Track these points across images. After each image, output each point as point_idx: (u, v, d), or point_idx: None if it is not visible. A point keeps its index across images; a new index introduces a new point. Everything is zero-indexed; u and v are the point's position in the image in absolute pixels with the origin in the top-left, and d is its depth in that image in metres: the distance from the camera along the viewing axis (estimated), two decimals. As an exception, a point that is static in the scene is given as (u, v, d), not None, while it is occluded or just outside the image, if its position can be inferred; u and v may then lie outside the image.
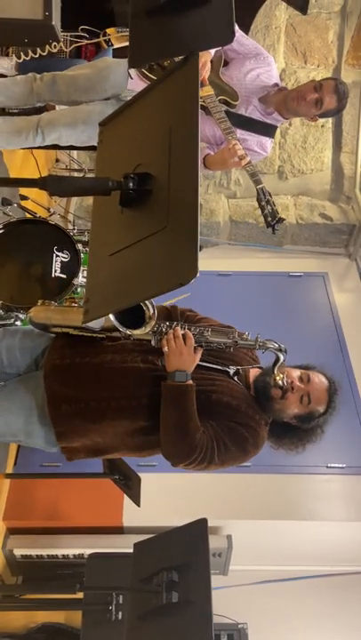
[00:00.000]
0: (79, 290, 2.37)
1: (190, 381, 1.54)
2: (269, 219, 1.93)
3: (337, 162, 4.26)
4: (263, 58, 2.34)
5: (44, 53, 2.27)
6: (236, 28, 2.34)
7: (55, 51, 2.41)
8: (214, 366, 1.65)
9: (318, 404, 1.64)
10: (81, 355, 1.64)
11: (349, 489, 3.04)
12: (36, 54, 2.22)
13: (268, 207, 1.93)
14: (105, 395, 1.59)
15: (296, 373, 1.65)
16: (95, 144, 2.39)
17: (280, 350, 1.56)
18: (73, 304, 1.73)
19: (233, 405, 1.60)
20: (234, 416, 1.59)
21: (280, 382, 1.55)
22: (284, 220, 1.95)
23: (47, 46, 2.41)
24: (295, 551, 3.08)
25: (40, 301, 1.73)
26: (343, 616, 3.02)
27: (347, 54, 3.98)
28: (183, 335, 1.55)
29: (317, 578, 3.12)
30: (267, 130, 2.34)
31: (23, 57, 2.31)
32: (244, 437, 1.59)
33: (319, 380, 1.66)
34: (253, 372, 1.72)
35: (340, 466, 3.09)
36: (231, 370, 1.66)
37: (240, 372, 1.69)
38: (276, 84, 2.34)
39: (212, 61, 2.24)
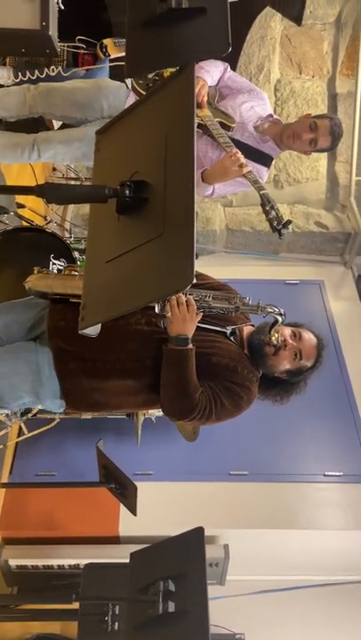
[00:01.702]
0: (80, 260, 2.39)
1: (191, 345, 1.61)
2: (275, 223, 1.95)
3: (332, 171, 4.29)
4: (256, 93, 2.39)
5: (43, 76, 2.28)
6: (230, 70, 2.40)
7: (54, 74, 2.42)
8: (213, 327, 1.73)
9: (308, 359, 1.76)
10: None
11: (347, 497, 3.03)
12: (34, 76, 2.23)
13: (273, 212, 1.95)
14: (111, 356, 1.66)
15: (288, 331, 1.76)
16: (89, 164, 2.40)
17: (280, 314, 1.66)
18: (73, 272, 1.73)
19: (231, 367, 1.69)
20: (231, 376, 1.69)
21: (275, 341, 1.66)
22: (290, 222, 1.97)
23: (46, 70, 2.43)
24: (293, 560, 3.06)
25: (36, 269, 1.74)
26: (341, 625, 3.00)
27: (341, 65, 4.02)
28: (186, 301, 1.62)
29: (315, 587, 3.10)
30: (263, 159, 2.36)
31: (21, 77, 2.32)
32: (240, 396, 1.70)
33: (309, 336, 1.78)
34: (247, 330, 1.81)
35: (338, 474, 3.08)
36: (228, 330, 1.75)
37: (236, 332, 1.78)
38: (271, 115, 2.38)
39: (208, 94, 2.28)
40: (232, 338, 1.76)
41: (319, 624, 2.98)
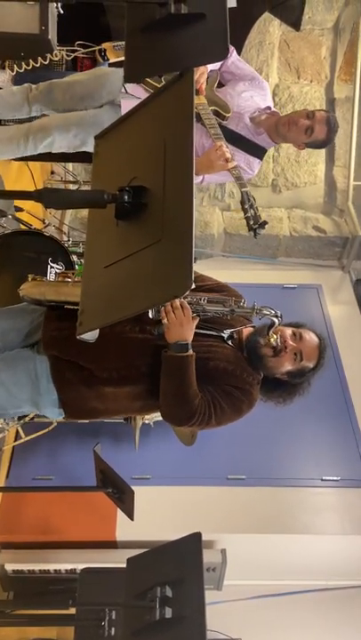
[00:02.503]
0: (77, 266, 2.38)
1: (191, 351, 1.60)
2: (252, 222, 1.96)
3: (330, 175, 4.31)
4: (258, 82, 2.39)
5: (37, 65, 2.29)
6: (235, 53, 2.39)
7: (47, 63, 2.43)
8: (209, 332, 1.71)
9: (309, 360, 1.73)
10: None
11: (344, 502, 3.02)
12: (29, 66, 2.24)
13: (251, 211, 1.95)
14: (106, 365, 1.65)
15: (288, 332, 1.73)
16: (87, 149, 2.39)
17: (276, 316, 1.64)
18: (66, 279, 1.73)
19: (229, 371, 1.67)
20: (230, 380, 1.67)
21: (274, 342, 1.64)
22: (266, 223, 1.97)
23: (40, 58, 2.44)
24: (290, 565, 3.06)
25: (30, 277, 1.74)
26: (339, 631, 2.99)
27: (339, 70, 4.05)
28: (180, 305, 1.60)
29: (313, 592, 3.09)
30: (256, 151, 2.36)
31: (17, 69, 2.33)
32: (240, 400, 1.68)
33: (310, 337, 1.75)
34: (246, 332, 1.78)
35: (335, 478, 3.08)
36: (225, 334, 1.73)
37: (234, 336, 1.75)
38: (269, 107, 2.37)
39: (207, 78, 2.27)
40: (230, 341, 1.74)
41: (317, 629, 2.97)
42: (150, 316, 1.65)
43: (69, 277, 1.73)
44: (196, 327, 1.64)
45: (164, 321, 1.60)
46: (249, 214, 1.95)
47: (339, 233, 4.33)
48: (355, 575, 3.09)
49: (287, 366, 1.72)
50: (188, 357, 1.59)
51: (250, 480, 3.02)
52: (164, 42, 1.45)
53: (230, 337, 1.74)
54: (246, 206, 1.95)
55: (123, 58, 2.28)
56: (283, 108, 4.03)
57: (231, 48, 2.36)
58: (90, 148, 2.19)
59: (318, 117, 2.23)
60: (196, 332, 1.63)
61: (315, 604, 3.06)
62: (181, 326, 1.58)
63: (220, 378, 1.67)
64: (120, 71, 2.32)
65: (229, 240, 4.41)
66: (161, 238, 1.04)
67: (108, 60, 2.68)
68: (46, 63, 2.47)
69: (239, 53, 3.15)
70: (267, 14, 3.60)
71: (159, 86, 1.31)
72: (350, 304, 4.13)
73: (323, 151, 4.23)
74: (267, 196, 4.23)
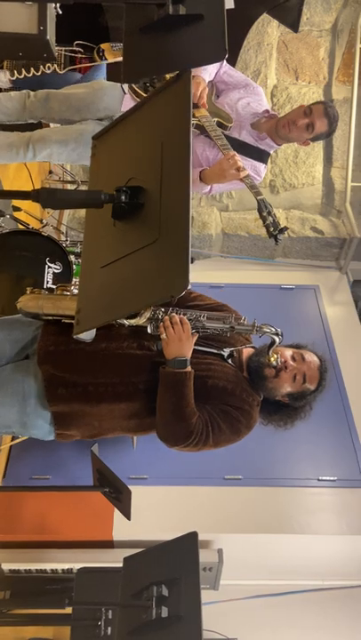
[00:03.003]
0: (75, 265, 2.38)
1: (189, 368, 1.57)
2: (272, 229, 1.94)
3: (328, 176, 4.32)
4: (252, 88, 2.40)
5: (39, 74, 2.29)
6: (225, 62, 2.41)
7: (49, 72, 2.45)
8: (209, 350, 1.67)
9: (310, 382, 1.69)
10: (75, 341, 1.62)
11: (340, 502, 3.03)
12: (29, 74, 2.25)
13: (270, 218, 1.94)
14: (102, 380, 1.61)
15: (289, 353, 1.70)
16: (86, 164, 2.41)
17: (277, 334, 1.61)
18: (65, 292, 1.71)
19: (228, 390, 1.63)
20: (228, 400, 1.63)
21: (274, 362, 1.60)
22: (286, 229, 1.96)
23: (42, 67, 2.46)
24: (286, 565, 3.06)
25: (29, 289, 1.71)
26: (335, 631, 3.00)
27: (337, 71, 4.05)
28: (180, 321, 1.57)
29: (309, 592, 3.09)
30: (260, 155, 2.37)
31: (17, 75, 2.34)
32: (238, 420, 1.64)
33: (311, 358, 1.71)
34: (247, 352, 1.75)
35: (332, 479, 3.08)
36: (225, 352, 1.69)
37: (234, 355, 1.71)
38: (267, 111, 2.38)
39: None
40: (230, 360, 1.70)
41: (313, 629, 2.98)
42: (149, 331, 1.62)
43: (68, 290, 1.71)
44: (196, 344, 1.61)
45: (163, 336, 1.56)
46: (268, 222, 1.94)
47: (336, 234, 4.34)
48: (351, 575, 3.10)
49: (287, 388, 1.68)
50: (187, 374, 1.55)
51: (247, 480, 3.02)
52: (163, 43, 1.45)
53: (230, 355, 1.70)
54: (264, 214, 1.94)
55: (121, 58, 2.28)
56: (281, 108, 4.04)
57: None
58: (88, 162, 2.21)
59: (316, 112, 2.23)
60: (195, 350, 1.60)
61: (311, 603, 3.06)
62: (180, 341, 1.55)
63: (219, 397, 1.63)
64: (118, 86, 2.33)
65: (227, 240, 4.41)
66: (158, 238, 1.04)
67: (106, 59, 2.69)
68: (48, 72, 2.48)
69: (237, 54, 3.16)
70: (265, 15, 3.61)
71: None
72: (348, 305, 4.14)
73: (321, 152, 4.25)
74: (265, 197, 4.23)
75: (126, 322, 1.59)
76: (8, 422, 1.67)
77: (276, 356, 1.60)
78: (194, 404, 1.57)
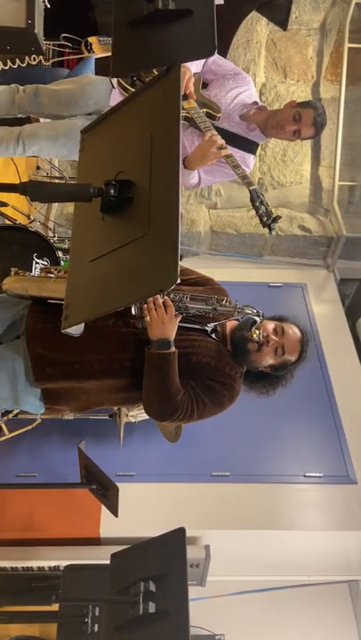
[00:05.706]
0: (63, 262, 2.37)
1: (173, 349, 1.60)
2: (265, 218, 1.95)
3: (316, 175, 4.34)
4: (242, 78, 2.39)
5: (24, 65, 2.28)
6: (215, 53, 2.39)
7: (35, 63, 2.43)
8: (193, 326, 1.71)
9: (291, 354, 1.75)
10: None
11: (327, 498, 3.05)
12: (15, 65, 2.24)
13: (263, 207, 1.95)
14: (88, 358, 1.64)
15: (271, 326, 1.75)
16: (75, 159, 2.40)
17: (258, 315, 1.66)
18: (49, 274, 1.72)
19: (212, 365, 1.68)
20: (212, 375, 1.68)
21: (256, 338, 1.64)
22: (279, 217, 1.96)
23: (27, 58, 2.45)
24: (273, 561, 3.08)
25: (13, 271, 1.73)
26: (321, 626, 3.02)
27: (326, 70, 4.07)
28: (163, 303, 1.60)
29: (295, 588, 3.12)
30: (249, 146, 2.37)
31: (2, 66, 2.32)
32: (222, 394, 1.69)
33: (293, 331, 1.77)
34: (230, 325, 1.78)
35: (318, 475, 3.10)
36: (209, 327, 1.73)
37: (217, 329, 1.75)
38: (256, 103, 2.38)
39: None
40: (213, 335, 1.74)
41: (300, 624, 3.01)
42: (133, 312, 1.64)
43: (52, 273, 1.73)
44: (180, 321, 1.65)
45: (147, 318, 1.60)
46: (261, 211, 1.95)
47: (324, 232, 4.36)
48: (337, 571, 3.13)
49: (269, 360, 1.74)
50: (171, 354, 1.59)
51: (234, 477, 3.03)
52: (152, 37, 1.45)
53: (214, 330, 1.74)
54: (257, 203, 1.95)
55: (109, 53, 2.28)
56: (269, 107, 4.04)
57: None
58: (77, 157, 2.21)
59: (305, 119, 2.25)
60: (179, 326, 1.63)
61: (297, 599, 3.09)
62: (163, 324, 1.58)
63: (203, 373, 1.68)
64: (107, 80, 2.32)
65: (216, 238, 4.42)
66: (147, 232, 1.04)
67: (93, 52, 2.68)
68: (34, 64, 2.47)
69: (226, 51, 3.16)
70: (254, 13, 3.61)
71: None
72: (334, 303, 4.17)
73: (309, 151, 4.27)
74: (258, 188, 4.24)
75: None
76: (2, 397, 1.70)
77: (258, 331, 1.64)
78: (179, 382, 1.62)
